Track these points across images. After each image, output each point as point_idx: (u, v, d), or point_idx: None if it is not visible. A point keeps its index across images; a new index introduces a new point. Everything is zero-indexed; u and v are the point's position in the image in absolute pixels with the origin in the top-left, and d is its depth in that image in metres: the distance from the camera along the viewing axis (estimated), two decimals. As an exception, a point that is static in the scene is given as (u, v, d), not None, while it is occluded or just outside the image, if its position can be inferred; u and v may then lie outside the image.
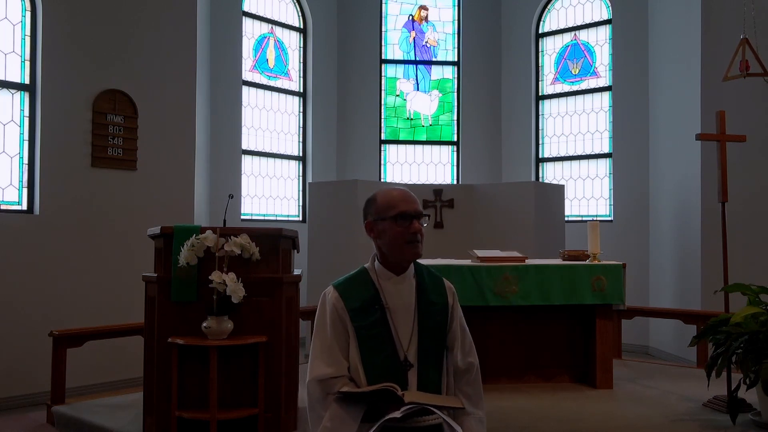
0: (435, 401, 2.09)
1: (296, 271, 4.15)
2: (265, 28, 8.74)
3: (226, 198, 4.95)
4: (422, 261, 2.37)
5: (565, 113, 9.19)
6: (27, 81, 5.89)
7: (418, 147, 9.60)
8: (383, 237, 2.23)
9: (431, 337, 2.24)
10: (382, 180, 9.28)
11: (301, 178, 9.02)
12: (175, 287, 3.72)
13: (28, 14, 5.93)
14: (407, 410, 1.98)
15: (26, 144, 5.85)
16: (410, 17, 9.62)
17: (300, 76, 9.11)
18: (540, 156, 9.34)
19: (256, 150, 8.53)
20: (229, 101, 8.12)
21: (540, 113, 9.38)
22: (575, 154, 9.06)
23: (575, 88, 9.12)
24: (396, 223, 2.20)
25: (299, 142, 9.06)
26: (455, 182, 9.44)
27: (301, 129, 9.07)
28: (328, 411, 2.12)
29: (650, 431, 4.01)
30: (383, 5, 9.50)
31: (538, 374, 5.23)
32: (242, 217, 8.19)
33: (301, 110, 9.08)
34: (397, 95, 9.57)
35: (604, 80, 8.89)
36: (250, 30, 8.56)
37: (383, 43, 9.52)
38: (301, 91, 9.09)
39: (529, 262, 5.11)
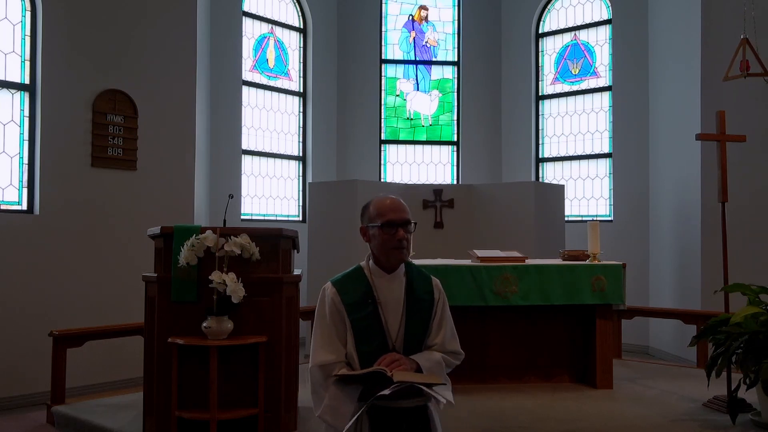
0: (420, 379, 2.32)
1: (296, 271, 4.15)
2: (265, 28, 8.74)
3: (226, 198, 4.95)
4: (423, 261, 2.46)
5: (565, 113, 9.19)
6: (27, 81, 5.89)
7: (418, 147, 9.60)
8: (373, 241, 2.49)
9: (416, 328, 2.49)
10: (382, 180, 9.27)
11: (301, 178, 9.02)
12: (175, 287, 3.72)
13: (28, 14, 5.93)
14: (395, 388, 2.20)
15: (26, 144, 5.86)
16: (410, 17, 9.61)
17: (300, 76, 9.11)
18: (540, 156, 9.34)
19: (256, 150, 8.53)
20: (229, 101, 8.11)
21: (540, 113, 9.38)
22: (575, 154, 9.06)
23: (575, 88, 9.12)
24: (383, 231, 2.44)
25: (299, 142, 9.06)
26: (455, 182, 9.44)
27: (301, 129, 9.07)
28: (329, 392, 2.38)
29: (650, 431, 4.01)
30: (383, 5, 9.50)
31: (538, 374, 5.23)
32: (242, 217, 8.19)
33: (301, 110, 9.08)
34: (397, 95, 9.57)
35: (604, 80, 8.89)
36: (250, 30, 8.56)
37: (383, 43, 9.52)
38: (301, 91, 9.09)
39: (529, 262, 5.11)
